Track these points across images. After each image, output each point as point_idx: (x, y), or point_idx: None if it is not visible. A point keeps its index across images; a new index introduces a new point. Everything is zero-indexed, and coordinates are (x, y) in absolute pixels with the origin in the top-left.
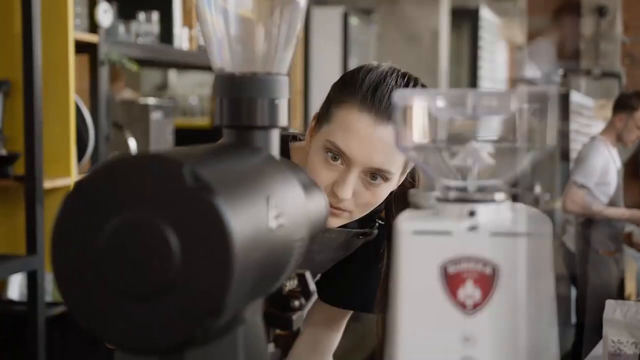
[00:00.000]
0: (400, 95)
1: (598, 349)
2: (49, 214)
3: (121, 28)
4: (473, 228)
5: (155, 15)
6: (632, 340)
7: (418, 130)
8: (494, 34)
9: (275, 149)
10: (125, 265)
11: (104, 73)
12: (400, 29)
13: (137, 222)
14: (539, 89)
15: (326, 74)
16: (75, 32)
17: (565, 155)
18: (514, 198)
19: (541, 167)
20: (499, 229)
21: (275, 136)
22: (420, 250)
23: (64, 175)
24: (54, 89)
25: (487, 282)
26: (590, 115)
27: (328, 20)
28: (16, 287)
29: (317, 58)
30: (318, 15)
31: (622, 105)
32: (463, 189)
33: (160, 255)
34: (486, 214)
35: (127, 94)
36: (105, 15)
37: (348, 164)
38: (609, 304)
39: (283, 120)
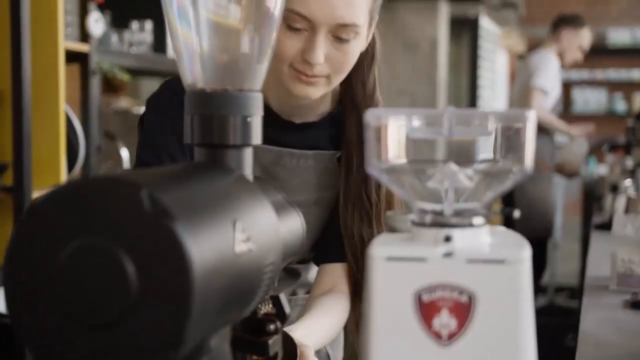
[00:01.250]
0: (373, 115)
1: (602, 268)
2: None
3: (114, 37)
4: (448, 254)
5: (148, 25)
6: None
7: (392, 151)
8: (494, 43)
9: (248, 168)
10: (80, 292)
11: (95, 83)
12: (399, 37)
13: (92, 248)
14: (515, 111)
15: None
16: (66, 42)
17: (473, 81)
18: (507, 219)
19: None
20: (476, 255)
21: (248, 154)
22: (393, 277)
23: (54, 186)
24: (43, 98)
25: (464, 311)
26: (496, 42)
27: None
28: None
29: None
30: None
31: (571, 21)
32: (439, 213)
33: (116, 283)
34: (463, 239)
35: (123, 102)
36: (96, 24)
37: (312, 27)
38: (618, 218)
39: (256, 138)
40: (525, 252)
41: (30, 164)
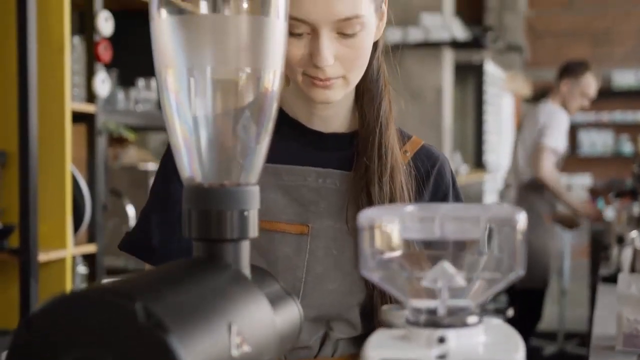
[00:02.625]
0: (365, 217)
1: (608, 327)
2: (43, 287)
3: (120, 95)
4: (442, 357)
5: (154, 82)
6: None
7: (385, 251)
8: (500, 87)
9: (245, 261)
10: None
11: (101, 142)
12: (404, 86)
13: None
14: (506, 212)
15: None
16: (73, 103)
17: (479, 126)
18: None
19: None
20: (470, 357)
21: (245, 248)
22: None
23: (60, 247)
24: (50, 160)
25: None
26: (501, 86)
27: None
28: None
29: None
30: None
31: (569, 71)
32: (433, 311)
33: None
34: (457, 339)
35: (131, 152)
36: (103, 85)
37: (313, 30)
38: (623, 277)
39: (254, 231)
40: (519, 353)
41: (36, 226)
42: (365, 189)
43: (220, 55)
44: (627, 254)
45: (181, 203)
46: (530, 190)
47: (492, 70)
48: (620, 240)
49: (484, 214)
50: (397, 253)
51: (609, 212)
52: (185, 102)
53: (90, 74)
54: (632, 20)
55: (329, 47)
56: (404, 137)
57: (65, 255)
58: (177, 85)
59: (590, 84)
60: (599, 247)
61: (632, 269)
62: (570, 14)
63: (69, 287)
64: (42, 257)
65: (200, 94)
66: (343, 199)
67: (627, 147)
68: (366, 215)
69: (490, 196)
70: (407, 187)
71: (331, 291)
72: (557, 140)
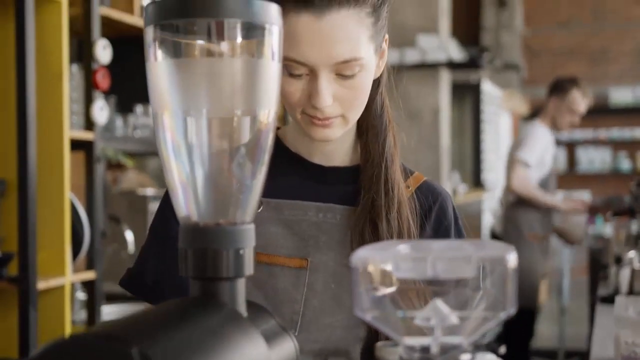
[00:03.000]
0: (359, 257)
1: (607, 349)
2: (43, 315)
3: (119, 121)
4: None
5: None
6: None
7: (378, 290)
8: (497, 105)
9: (240, 299)
10: None
11: (99, 169)
12: (401, 106)
13: None
14: (497, 252)
15: None
16: (72, 130)
17: (477, 144)
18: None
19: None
20: None
21: (241, 286)
22: None
23: (59, 275)
24: (49, 188)
25: None
26: (498, 104)
27: None
28: None
29: None
30: None
31: (555, 89)
32: (426, 349)
33: None
34: None
35: (130, 176)
36: (101, 112)
37: (312, 71)
38: (619, 300)
39: (249, 269)
40: None
41: (35, 255)
42: (371, 224)
43: (216, 97)
44: (625, 274)
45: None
46: (515, 208)
47: (489, 89)
48: (618, 261)
49: (476, 254)
50: (391, 292)
51: (607, 230)
52: (181, 142)
53: (88, 101)
54: (627, 39)
55: (327, 88)
56: (407, 172)
57: (64, 283)
58: (173, 126)
59: (576, 100)
60: (598, 266)
61: (631, 290)
62: (566, 32)
63: (68, 314)
64: (41, 284)
65: (195, 135)
66: (344, 233)
67: (625, 164)
68: (359, 256)
69: (489, 215)
70: (412, 221)
71: (328, 325)
72: (528, 154)
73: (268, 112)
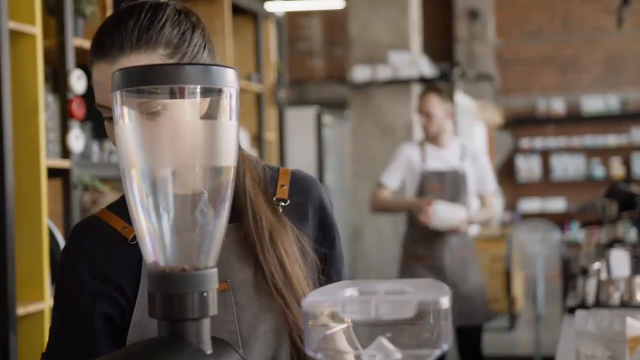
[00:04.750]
0: (309, 302)
1: None
2: (22, 340)
3: (95, 147)
4: None
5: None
6: (607, 353)
7: (326, 330)
8: (471, 116)
9: (205, 338)
10: None
11: (76, 196)
12: (374, 122)
13: None
14: (433, 296)
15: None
16: (48, 159)
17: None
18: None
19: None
20: None
21: (206, 325)
22: None
23: (38, 300)
24: (26, 215)
25: None
26: (472, 115)
27: (302, 120)
28: None
29: (293, 157)
30: (292, 115)
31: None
32: None
33: None
34: None
35: (110, 197)
36: (77, 141)
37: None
38: (580, 314)
39: (213, 309)
40: None
41: (14, 282)
42: (255, 257)
43: (179, 155)
44: (591, 286)
45: (91, 314)
46: (403, 236)
47: (462, 101)
48: (585, 272)
49: (414, 297)
50: (338, 331)
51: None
52: (148, 195)
53: (64, 130)
54: (598, 48)
55: None
56: (273, 172)
57: (43, 308)
58: (140, 180)
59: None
60: (569, 274)
61: (597, 301)
62: (538, 42)
63: (47, 339)
64: (20, 310)
65: (160, 189)
66: (245, 248)
67: (599, 171)
68: (309, 301)
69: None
70: (293, 241)
71: (263, 333)
72: (384, 177)
73: (227, 166)
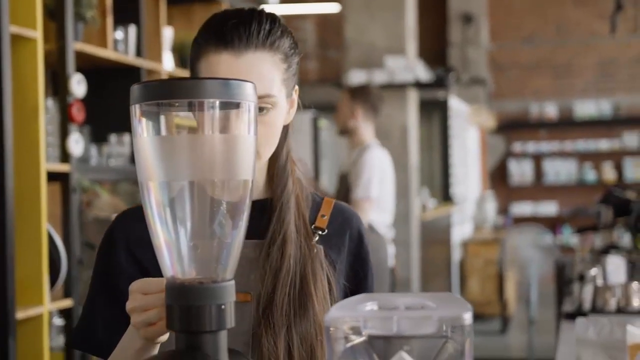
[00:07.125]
0: (331, 317)
1: None
2: (21, 344)
3: (94, 151)
4: None
5: (127, 137)
6: None
7: (348, 345)
8: (465, 120)
9: (222, 350)
10: None
11: (75, 200)
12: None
13: None
14: (456, 312)
15: None
16: (48, 163)
17: (445, 159)
18: None
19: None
20: None
21: (223, 337)
22: None
23: (37, 304)
24: (26, 219)
25: None
26: (466, 119)
27: (298, 123)
28: None
29: None
30: None
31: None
32: None
33: None
34: None
35: (104, 199)
36: (76, 145)
37: None
38: (580, 322)
39: (230, 322)
40: None
41: (13, 286)
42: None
43: (197, 168)
44: (588, 292)
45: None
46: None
47: (456, 105)
48: (582, 278)
49: (435, 314)
50: (360, 345)
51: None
52: (166, 208)
53: (64, 134)
54: (590, 53)
55: None
56: (317, 200)
57: (42, 312)
58: (158, 193)
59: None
60: (564, 278)
61: (593, 307)
62: (531, 47)
63: (46, 342)
64: (20, 314)
65: (179, 203)
66: (260, 268)
67: (591, 175)
68: (331, 317)
69: (458, 228)
70: (318, 268)
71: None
72: (367, 187)
73: (245, 179)
